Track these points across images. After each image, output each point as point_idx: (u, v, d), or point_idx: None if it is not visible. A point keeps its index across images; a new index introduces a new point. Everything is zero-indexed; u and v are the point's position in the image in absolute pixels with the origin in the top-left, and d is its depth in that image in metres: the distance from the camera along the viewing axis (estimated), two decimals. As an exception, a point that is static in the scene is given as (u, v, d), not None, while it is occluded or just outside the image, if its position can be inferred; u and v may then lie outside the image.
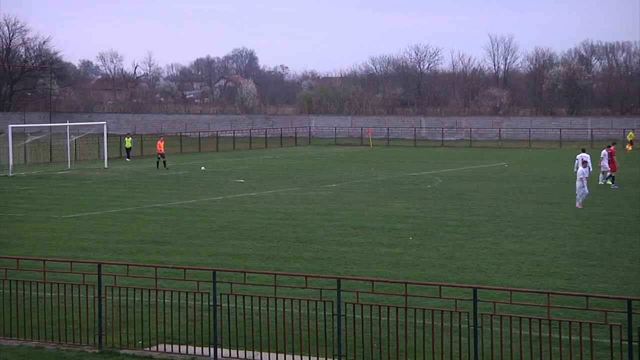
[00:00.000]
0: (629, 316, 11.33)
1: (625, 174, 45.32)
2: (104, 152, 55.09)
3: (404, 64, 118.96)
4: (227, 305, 13.76)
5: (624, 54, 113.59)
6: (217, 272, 13.47)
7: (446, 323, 12.64)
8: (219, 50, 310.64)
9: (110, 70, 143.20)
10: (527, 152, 69.79)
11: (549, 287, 18.57)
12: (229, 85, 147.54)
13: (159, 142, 53.86)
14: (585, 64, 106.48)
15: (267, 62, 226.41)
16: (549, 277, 19.96)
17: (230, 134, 79.99)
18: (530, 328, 11.99)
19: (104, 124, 57.61)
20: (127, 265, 14.40)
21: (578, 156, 37.87)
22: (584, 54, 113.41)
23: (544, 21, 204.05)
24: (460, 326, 12.90)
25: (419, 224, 28.31)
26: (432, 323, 12.48)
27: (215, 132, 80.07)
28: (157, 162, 52.76)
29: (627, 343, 11.40)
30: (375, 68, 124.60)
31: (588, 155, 37.39)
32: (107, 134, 56.25)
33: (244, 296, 13.56)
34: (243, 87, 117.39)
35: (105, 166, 53.21)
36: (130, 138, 61.83)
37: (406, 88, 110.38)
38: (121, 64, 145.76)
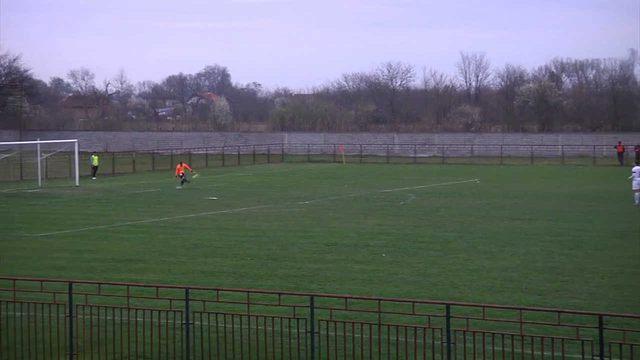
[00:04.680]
0: (600, 331, 11.39)
1: (595, 190, 45.67)
2: (75, 170, 54.76)
3: (376, 80, 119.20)
4: (200, 323, 13.69)
5: (594, 71, 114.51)
6: (190, 290, 13.40)
7: (419, 340, 12.62)
8: (191, 67, 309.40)
9: (81, 88, 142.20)
10: (499, 168, 70.18)
11: (522, 303, 18.64)
12: (201, 103, 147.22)
13: (178, 165, 52.56)
14: (555, 81, 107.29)
15: (239, 79, 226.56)
16: (522, 293, 20.05)
17: (202, 151, 79.79)
18: (503, 344, 12.02)
19: (75, 141, 57.32)
20: (99, 283, 14.29)
21: (634, 169, 40.16)
22: (554, 71, 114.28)
23: (515, 38, 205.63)
24: (433, 342, 12.91)
25: (392, 241, 28.35)
26: (406, 340, 12.46)
27: (188, 150, 79.85)
28: (182, 182, 51.12)
29: (598, 358, 11.45)
30: (348, 85, 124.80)
31: None
32: (78, 151, 55.92)
33: (217, 314, 13.49)
34: (215, 104, 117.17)
35: (77, 184, 52.87)
36: (97, 156, 61.41)
37: (379, 105, 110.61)
38: (93, 82, 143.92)
